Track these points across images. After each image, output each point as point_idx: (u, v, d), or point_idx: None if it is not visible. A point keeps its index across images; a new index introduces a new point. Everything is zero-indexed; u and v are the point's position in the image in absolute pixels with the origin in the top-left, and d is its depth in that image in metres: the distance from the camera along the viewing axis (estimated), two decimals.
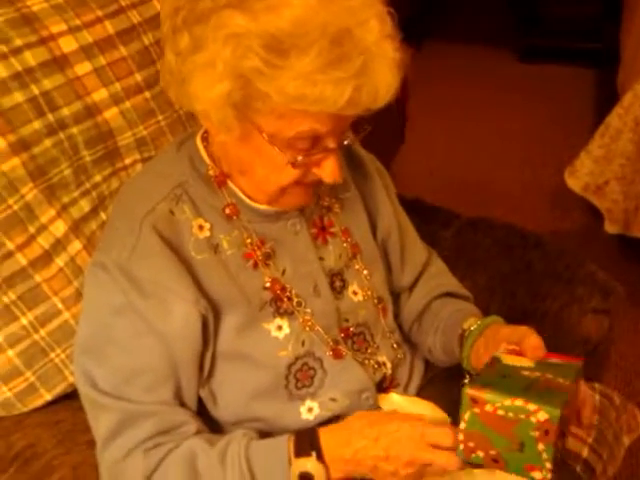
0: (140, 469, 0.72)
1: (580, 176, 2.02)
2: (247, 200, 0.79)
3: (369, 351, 0.89)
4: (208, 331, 0.75)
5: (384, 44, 0.66)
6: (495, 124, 2.81)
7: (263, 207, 0.80)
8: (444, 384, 0.95)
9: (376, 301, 0.91)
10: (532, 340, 0.76)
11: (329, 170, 0.73)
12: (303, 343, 0.82)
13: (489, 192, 2.41)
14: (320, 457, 0.72)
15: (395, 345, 0.93)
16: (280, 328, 0.81)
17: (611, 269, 1.99)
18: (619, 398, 1.10)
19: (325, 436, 0.74)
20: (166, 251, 0.73)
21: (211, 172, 0.79)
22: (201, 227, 0.78)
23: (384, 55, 0.66)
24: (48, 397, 0.89)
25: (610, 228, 1.98)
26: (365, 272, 0.91)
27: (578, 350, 1.01)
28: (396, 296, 1.01)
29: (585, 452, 0.99)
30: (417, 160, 2.58)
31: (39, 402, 0.89)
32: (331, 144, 0.71)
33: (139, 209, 0.75)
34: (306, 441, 0.73)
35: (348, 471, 0.73)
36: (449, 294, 1.01)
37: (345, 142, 0.73)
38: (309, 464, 0.72)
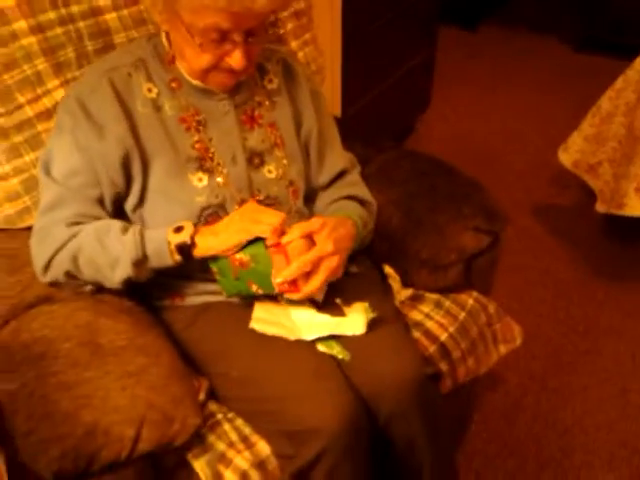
0: (61, 236, 1.03)
1: (571, 152, 2.15)
2: (187, 77, 1.07)
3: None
4: (131, 163, 1.04)
5: None
6: (522, 101, 2.97)
7: (197, 83, 1.07)
8: None
9: (288, 183, 1.16)
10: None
11: (236, 59, 0.98)
12: (217, 196, 1.09)
13: (499, 163, 2.58)
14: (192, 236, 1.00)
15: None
16: (200, 180, 1.08)
17: (597, 247, 2.16)
18: (494, 308, 1.30)
19: (200, 228, 1.03)
20: (115, 100, 1.02)
21: (165, 55, 1.07)
22: (150, 90, 1.06)
23: None
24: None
25: (600, 207, 2.08)
26: (285, 161, 1.17)
27: (453, 256, 1.23)
28: (314, 193, 1.26)
29: (444, 337, 1.20)
30: (440, 124, 2.78)
31: (31, 221, 1.20)
32: (237, 38, 0.96)
33: (106, 66, 1.05)
34: (183, 226, 1.01)
35: (210, 245, 1.01)
36: (355, 198, 1.24)
37: (249, 39, 0.98)
38: (183, 222, 1.01)
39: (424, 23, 2.39)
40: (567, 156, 2.15)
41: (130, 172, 1.06)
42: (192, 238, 1.00)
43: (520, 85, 3.13)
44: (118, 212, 1.10)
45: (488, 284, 1.33)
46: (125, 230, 1.02)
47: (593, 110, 2.06)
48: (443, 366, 1.19)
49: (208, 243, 1.01)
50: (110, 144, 1.03)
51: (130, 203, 1.09)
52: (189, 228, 1.01)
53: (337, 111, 2.02)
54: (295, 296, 1.03)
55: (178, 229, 1.01)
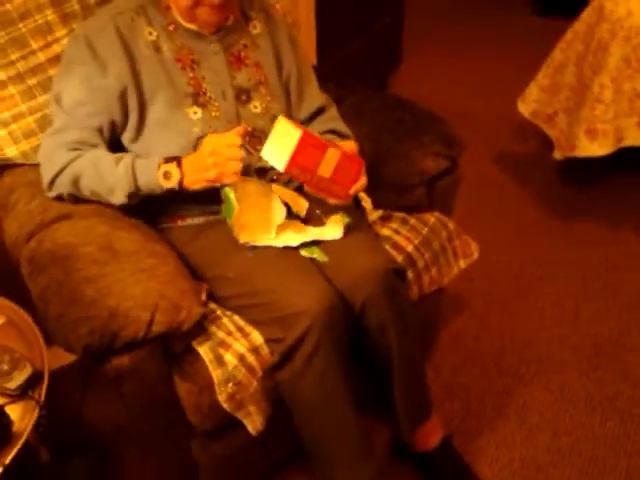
0: (62, 158, 1.20)
1: (529, 102, 2.34)
2: (181, 21, 1.24)
3: (259, 148, 1.33)
4: (128, 98, 1.20)
5: None
6: (487, 63, 3.16)
7: (190, 26, 1.24)
8: None
9: (272, 117, 1.33)
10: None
11: None
12: (210, 127, 1.25)
13: (467, 117, 2.76)
14: (179, 166, 1.16)
15: None
16: (195, 113, 1.25)
17: (554, 190, 2.35)
18: (454, 226, 1.49)
19: (185, 158, 1.18)
20: (118, 41, 1.19)
21: (162, 1, 1.24)
22: (150, 33, 1.23)
23: None
24: None
25: (557, 154, 2.27)
26: (268, 98, 1.34)
27: (416, 179, 1.41)
28: None
29: (410, 248, 1.39)
30: (410, 82, 2.97)
31: None
32: None
33: (112, 11, 1.22)
34: (172, 158, 1.18)
35: (195, 176, 1.16)
36: (334, 131, 1.42)
37: None
38: (171, 167, 1.17)
39: None
40: (525, 106, 2.34)
41: (127, 106, 1.22)
42: (181, 177, 1.17)
43: (484, 48, 3.32)
44: (115, 144, 1.26)
45: (449, 205, 1.51)
46: (118, 161, 1.18)
47: (547, 61, 2.25)
48: (409, 274, 1.38)
49: (192, 180, 1.18)
50: (111, 80, 1.19)
51: (127, 136, 1.25)
52: (176, 174, 1.16)
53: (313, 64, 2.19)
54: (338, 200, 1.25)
55: (166, 175, 1.17)
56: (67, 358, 1.73)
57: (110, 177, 1.19)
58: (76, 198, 1.24)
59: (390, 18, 2.58)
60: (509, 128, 2.66)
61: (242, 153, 1.15)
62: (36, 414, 0.91)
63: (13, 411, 0.92)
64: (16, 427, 0.89)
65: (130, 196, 1.20)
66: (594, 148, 2.07)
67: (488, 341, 1.82)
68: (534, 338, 1.82)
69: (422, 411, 1.39)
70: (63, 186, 1.22)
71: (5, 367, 0.93)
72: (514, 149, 2.58)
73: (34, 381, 0.95)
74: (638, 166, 2.41)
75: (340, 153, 1.17)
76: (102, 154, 1.21)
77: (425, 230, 1.43)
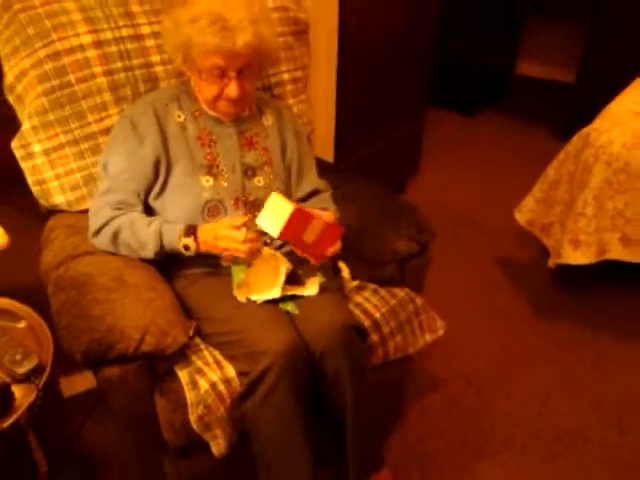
0: (107, 215, 1.48)
1: (524, 212, 2.57)
2: (205, 109, 1.55)
3: (256, 214, 1.59)
4: (160, 166, 1.50)
5: (244, 22, 1.39)
6: (501, 176, 3.45)
7: (212, 113, 1.55)
8: None
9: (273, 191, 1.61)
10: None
11: (232, 89, 1.46)
12: (218, 193, 1.54)
13: (475, 223, 3.01)
14: (195, 239, 1.44)
15: None
16: (208, 181, 1.54)
17: (545, 293, 2.53)
18: (422, 302, 1.69)
19: (200, 229, 1.45)
20: (154, 121, 1.50)
21: (192, 93, 1.56)
22: (179, 116, 1.55)
23: (241, 28, 1.39)
24: (90, 203, 1.66)
25: (551, 262, 2.47)
26: (271, 176, 1.63)
27: (388, 256, 1.64)
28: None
29: (377, 315, 1.59)
30: (427, 189, 3.25)
31: (85, 206, 1.65)
32: (231, 74, 1.44)
33: (152, 98, 1.56)
34: (190, 229, 1.45)
35: (209, 246, 1.44)
36: (324, 209, 1.69)
37: (241, 74, 1.45)
38: (188, 241, 1.44)
39: (413, 105, 2.91)
40: (521, 215, 2.56)
41: (158, 171, 1.52)
42: (197, 248, 1.45)
43: (500, 165, 3.60)
44: (145, 201, 1.56)
45: (419, 284, 1.72)
46: (149, 224, 1.47)
47: (542, 177, 2.49)
48: (375, 337, 1.58)
49: (207, 250, 1.46)
50: (148, 151, 1.50)
51: (153, 193, 1.54)
52: (193, 247, 1.45)
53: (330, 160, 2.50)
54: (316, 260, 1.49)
55: (186, 247, 1.45)
56: (77, 389, 1.98)
57: (142, 236, 1.47)
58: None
59: (410, 131, 2.91)
60: (514, 235, 2.87)
61: (242, 234, 1.40)
62: (34, 396, 1.14)
63: (17, 390, 1.15)
64: (17, 402, 1.12)
65: (157, 253, 1.48)
66: (577, 256, 2.26)
67: (456, 417, 1.96)
68: (501, 420, 1.95)
69: (373, 461, 1.54)
70: (105, 237, 1.49)
71: (18, 357, 1.18)
72: (516, 254, 2.79)
73: (38, 372, 1.19)
74: (622, 277, 2.59)
75: (323, 223, 1.43)
76: (137, 216, 1.50)
77: (393, 301, 1.63)
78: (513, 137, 3.92)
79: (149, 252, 1.47)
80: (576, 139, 2.35)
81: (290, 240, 1.44)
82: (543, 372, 2.15)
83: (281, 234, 1.38)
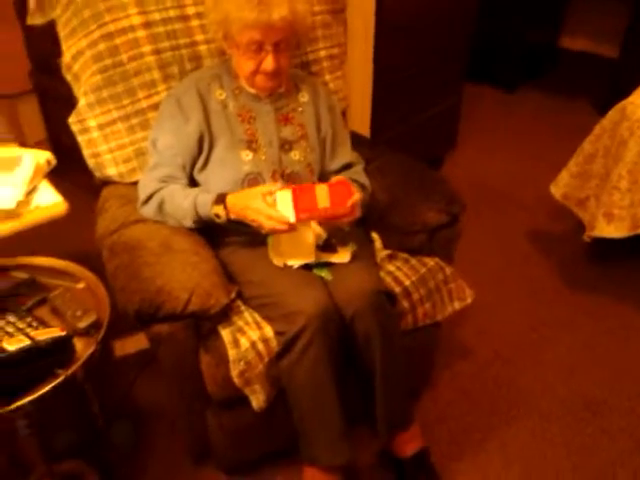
0: (154, 187, 1.60)
1: (560, 186, 2.59)
2: (245, 86, 1.65)
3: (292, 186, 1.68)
4: (204, 142, 1.60)
5: None
6: (541, 152, 3.45)
7: (251, 90, 1.64)
8: None
9: (307, 164, 1.70)
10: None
11: (268, 62, 1.54)
12: (257, 167, 1.63)
13: (511, 196, 3.04)
14: (225, 207, 1.53)
15: None
16: (247, 155, 1.63)
17: (578, 265, 2.56)
18: (451, 271, 1.77)
19: (230, 197, 1.54)
20: (198, 99, 1.60)
21: (233, 71, 1.65)
22: (221, 94, 1.64)
23: (277, 3, 1.47)
24: (140, 175, 1.78)
25: (587, 236, 2.50)
26: (307, 150, 1.71)
27: (420, 227, 1.72)
28: (327, 176, 1.79)
29: (407, 283, 1.68)
30: (465, 164, 3.29)
31: (136, 178, 1.77)
32: (268, 48, 1.53)
33: (195, 76, 1.66)
34: (220, 197, 1.55)
35: (238, 215, 1.53)
36: (357, 182, 1.76)
37: (277, 48, 1.53)
38: (218, 209, 1.53)
39: (451, 80, 2.94)
40: (556, 189, 2.59)
41: (202, 147, 1.62)
42: (227, 216, 1.54)
43: (539, 140, 3.60)
44: (191, 175, 1.67)
45: (449, 254, 1.79)
46: (187, 196, 1.57)
47: (577, 151, 2.50)
48: (405, 304, 1.66)
49: (237, 218, 1.54)
50: (192, 127, 1.60)
51: (197, 167, 1.65)
52: (223, 215, 1.54)
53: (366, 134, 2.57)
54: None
55: (217, 216, 1.54)
56: (131, 349, 2.14)
57: (182, 207, 1.58)
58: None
59: (446, 107, 2.94)
60: (549, 210, 2.90)
61: (269, 210, 1.48)
62: (92, 348, 1.28)
63: (78, 342, 1.29)
64: (78, 354, 1.26)
65: (195, 222, 1.59)
66: (610, 230, 2.29)
67: (485, 384, 2.03)
68: (528, 388, 2.02)
69: (399, 420, 1.63)
70: (151, 208, 1.61)
71: (79, 312, 1.31)
72: (550, 227, 2.82)
73: (96, 327, 1.32)
74: None
75: (326, 185, 1.51)
76: (178, 188, 1.60)
77: (423, 270, 1.71)
78: (553, 112, 3.91)
79: (189, 221, 1.58)
80: (612, 113, 2.35)
81: (312, 215, 1.51)
82: (571, 343, 2.21)
83: (298, 215, 1.47)
